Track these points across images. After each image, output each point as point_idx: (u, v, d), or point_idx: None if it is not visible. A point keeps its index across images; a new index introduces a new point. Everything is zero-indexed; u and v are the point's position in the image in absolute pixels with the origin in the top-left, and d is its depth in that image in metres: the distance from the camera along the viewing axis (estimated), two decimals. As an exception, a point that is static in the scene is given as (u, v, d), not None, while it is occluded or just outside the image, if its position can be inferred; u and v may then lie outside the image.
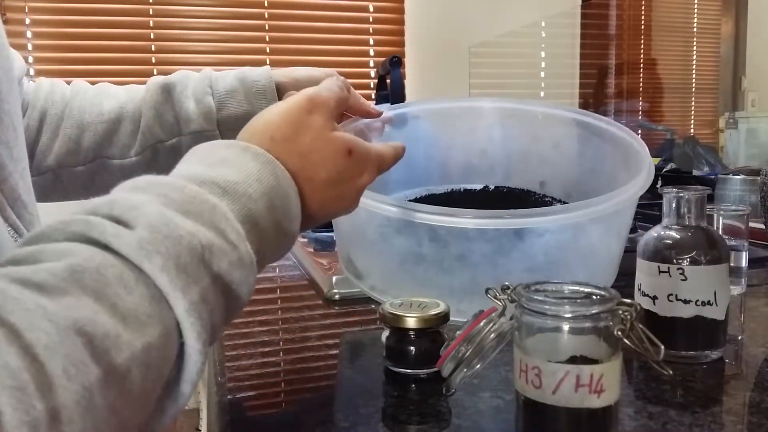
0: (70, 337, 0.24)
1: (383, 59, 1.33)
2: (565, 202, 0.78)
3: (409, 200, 0.76)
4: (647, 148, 0.67)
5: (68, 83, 0.69)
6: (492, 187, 0.81)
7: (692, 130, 2.24)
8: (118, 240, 0.29)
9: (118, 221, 0.30)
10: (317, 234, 1.02)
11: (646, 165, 0.63)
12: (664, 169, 1.54)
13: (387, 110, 0.76)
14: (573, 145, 0.79)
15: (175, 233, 0.31)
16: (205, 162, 0.38)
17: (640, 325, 0.38)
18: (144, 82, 0.69)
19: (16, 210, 0.45)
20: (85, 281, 0.27)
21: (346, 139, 0.44)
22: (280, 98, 0.67)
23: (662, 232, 0.53)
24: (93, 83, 0.70)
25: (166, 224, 0.31)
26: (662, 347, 0.39)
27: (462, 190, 0.81)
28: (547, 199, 0.79)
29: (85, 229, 0.29)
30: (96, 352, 0.25)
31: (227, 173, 0.36)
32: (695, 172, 1.59)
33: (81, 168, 0.66)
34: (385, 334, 0.51)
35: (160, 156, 0.66)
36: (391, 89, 1.25)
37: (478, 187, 0.81)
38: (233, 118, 0.66)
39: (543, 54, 2.46)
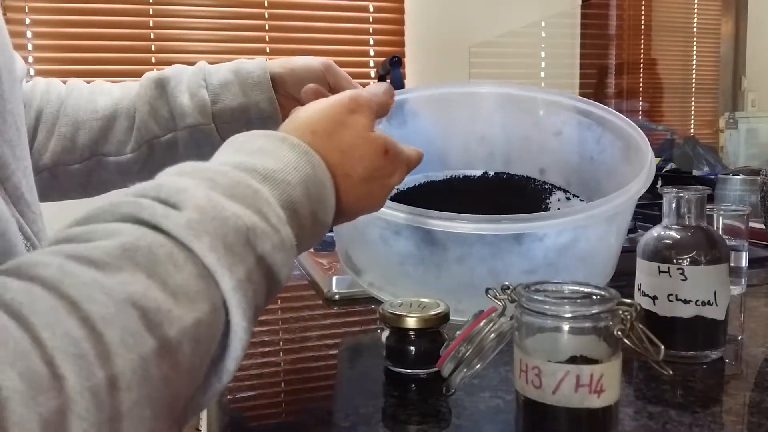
0: (126, 309, 0.26)
1: (383, 59, 1.33)
2: (565, 190, 0.77)
3: (409, 188, 0.75)
4: (648, 141, 0.66)
5: (64, 82, 0.69)
6: (491, 173, 0.80)
7: (692, 130, 2.24)
8: (167, 220, 0.30)
9: (167, 203, 0.31)
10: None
11: (647, 160, 0.63)
12: (664, 169, 1.54)
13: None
14: (574, 132, 0.78)
15: (222, 215, 0.32)
16: (244, 151, 0.39)
17: (640, 325, 0.38)
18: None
19: (19, 208, 0.45)
20: (137, 259, 0.28)
21: (384, 140, 0.46)
22: (276, 89, 0.67)
23: (662, 232, 0.53)
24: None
25: (213, 206, 0.32)
26: (662, 347, 0.39)
27: (461, 176, 0.79)
28: (546, 186, 0.78)
29: (135, 211, 0.30)
30: (150, 325, 0.26)
31: (266, 161, 0.38)
32: (695, 172, 1.59)
33: (77, 166, 0.66)
34: (385, 334, 0.51)
35: (156, 152, 0.66)
36: (391, 89, 1.25)
37: (478, 173, 0.80)
38: (228, 111, 0.65)
39: (543, 54, 2.46)
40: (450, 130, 0.82)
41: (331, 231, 0.73)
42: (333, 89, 0.69)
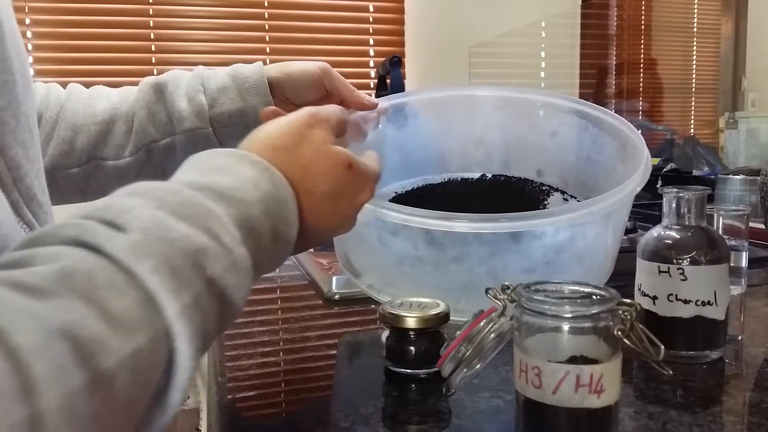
0: (57, 340, 0.24)
1: (383, 59, 1.33)
2: (562, 191, 0.78)
3: (407, 191, 0.76)
4: (644, 140, 0.66)
5: (64, 86, 0.69)
6: (489, 175, 0.80)
7: (692, 130, 2.23)
8: (109, 243, 0.29)
9: (111, 224, 0.30)
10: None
11: (644, 158, 0.63)
12: (664, 169, 1.54)
13: (383, 100, 0.75)
14: (570, 133, 0.78)
15: (168, 236, 0.30)
16: (202, 169, 0.38)
17: (640, 325, 0.38)
18: (143, 83, 0.69)
19: (31, 209, 0.46)
20: (75, 284, 0.26)
21: (347, 154, 0.44)
22: (273, 94, 0.67)
23: (662, 232, 0.53)
24: (93, 83, 0.70)
25: (158, 226, 0.31)
26: (662, 347, 0.39)
27: (459, 179, 0.80)
28: (544, 188, 0.78)
29: (78, 233, 0.29)
30: (82, 357, 0.24)
31: (223, 179, 0.37)
32: (695, 172, 1.59)
33: (76, 170, 0.66)
34: (385, 334, 0.51)
35: (155, 156, 0.67)
36: (391, 89, 1.25)
37: (476, 176, 0.80)
38: (226, 115, 0.66)
39: (543, 54, 2.46)
40: (448, 132, 0.83)
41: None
42: (330, 92, 0.70)
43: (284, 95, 0.68)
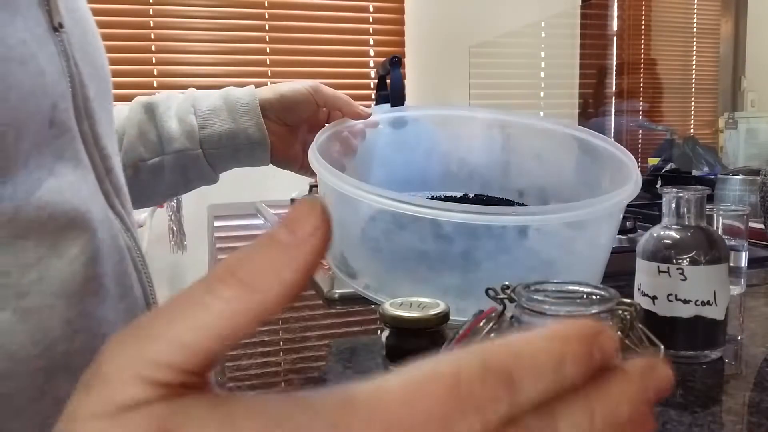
0: None
1: (383, 59, 1.33)
2: None
3: None
4: (633, 158, 0.67)
5: None
6: (471, 195, 0.82)
7: (692, 130, 2.24)
8: None
9: None
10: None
11: (633, 176, 0.64)
12: (664, 169, 1.54)
13: (376, 113, 0.77)
14: (553, 155, 0.80)
15: None
16: None
17: (640, 325, 0.38)
18: (145, 84, 0.70)
19: (120, 199, 0.46)
20: None
21: None
22: (265, 115, 0.68)
23: (662, 232, 0.53)
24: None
25: None
26: (662, 347, 0.39)
27: (442, 197, 0.81)
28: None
29: None
30: None
31: None
32: (695, 172, 1.59)
33: None
34: (385, 334, 0.51)
35: (142, 174, 0.67)
36: (391, 89, 1.25)
37: (458, 194, 0.82)
38: (216, 137, 0.66)
39: (543, 54, 2.46)
40: (430, 150, 0.85)
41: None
42: (324, 107, 0.72)
43: (276, 116, 0.69)
